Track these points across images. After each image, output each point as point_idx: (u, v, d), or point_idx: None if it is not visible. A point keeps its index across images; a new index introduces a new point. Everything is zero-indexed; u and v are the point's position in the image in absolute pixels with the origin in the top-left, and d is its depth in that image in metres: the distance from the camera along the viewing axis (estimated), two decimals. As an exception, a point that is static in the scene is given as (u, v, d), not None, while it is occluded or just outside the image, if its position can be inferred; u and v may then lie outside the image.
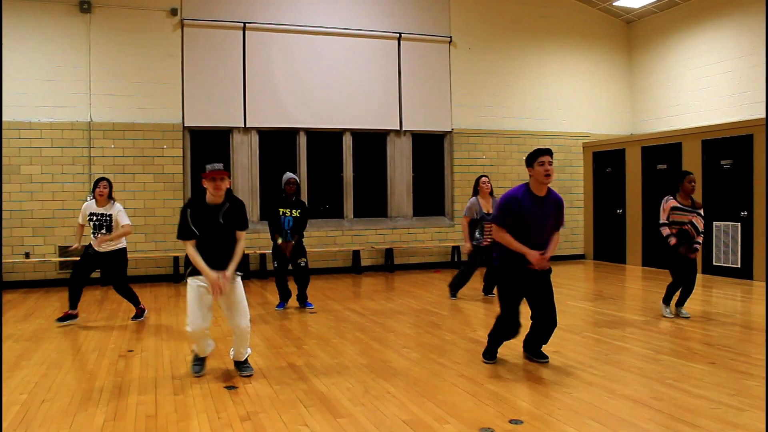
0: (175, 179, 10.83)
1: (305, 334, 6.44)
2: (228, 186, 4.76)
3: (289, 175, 7.53)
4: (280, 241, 7.44)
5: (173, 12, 10.78)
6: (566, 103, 13.33)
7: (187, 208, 4.76)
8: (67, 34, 10.27)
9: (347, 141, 12.11)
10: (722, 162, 10.23)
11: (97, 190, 6.73)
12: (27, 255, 10.06)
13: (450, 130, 12.54)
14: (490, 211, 8.01)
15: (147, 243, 10.66)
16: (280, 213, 7.42)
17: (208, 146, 11.28)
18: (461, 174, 12.52)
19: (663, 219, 6.77)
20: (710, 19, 11.75)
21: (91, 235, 6.83)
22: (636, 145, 12.03)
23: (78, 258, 6.99)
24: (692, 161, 10.64)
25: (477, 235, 8.21)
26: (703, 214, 6.85)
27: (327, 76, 11.72)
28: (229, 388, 4.57)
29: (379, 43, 12.06)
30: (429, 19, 12.39)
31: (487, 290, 8.65)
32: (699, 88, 12.00)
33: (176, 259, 10.67)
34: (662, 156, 11.43)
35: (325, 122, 11.81)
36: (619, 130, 13.62)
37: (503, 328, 5.02)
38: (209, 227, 4.73)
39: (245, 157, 11.41)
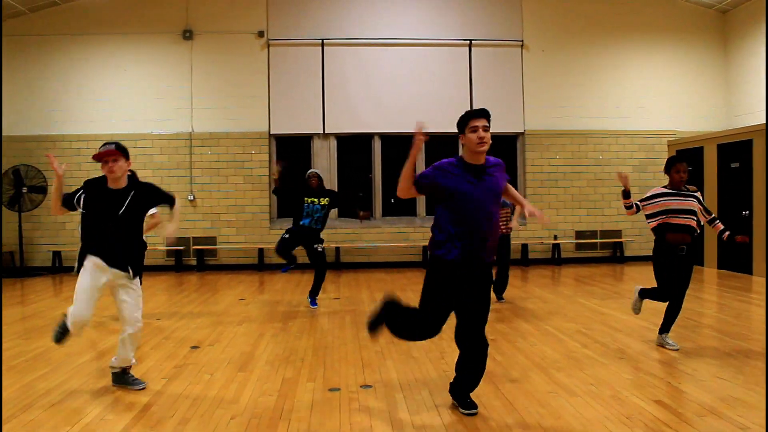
0: (262, 181, 12.38)
1: (292, 307, 7.45)
2: (128, 167, 4.18)
3: (310, 171, 8.01)
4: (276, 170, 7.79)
5: (260, 34, 12.34)
6: (649, 100, 12.96)
7: (81, 188, 4.18)
8: (173, 58, 12.25)
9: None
10: (792, 160, 9.58)
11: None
12: (141, 244, 12.15)
13: (522, 131, 12.83)
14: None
15: (237, 236, 12.32)
16: (306, 201, 7.79)
17: (291, 151, 12.72)
18: (533, 174, 12.78)
19: (637, 201, 5.45)
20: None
21: None
22: (712, 143, 11.48)
23: None
24: (762, 159, 10.04)
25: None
26: (701, 199, 5.40)
27: (399, 83, 12.63)
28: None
29: (450, 50, 12.72)
30: (500, 25, 12.78)
31: (499, 293, 8.23)
32: (794, 80, 11.16)
33: (261, 250, 12.22)
34: (735, 154, 10.85)
35: (398, 126, 12.69)
36: (711, 126, 12.92)
37: (412, 326, 4.07)
38: (106, 213, 4.12)
39: (325, 160, 12.68)
